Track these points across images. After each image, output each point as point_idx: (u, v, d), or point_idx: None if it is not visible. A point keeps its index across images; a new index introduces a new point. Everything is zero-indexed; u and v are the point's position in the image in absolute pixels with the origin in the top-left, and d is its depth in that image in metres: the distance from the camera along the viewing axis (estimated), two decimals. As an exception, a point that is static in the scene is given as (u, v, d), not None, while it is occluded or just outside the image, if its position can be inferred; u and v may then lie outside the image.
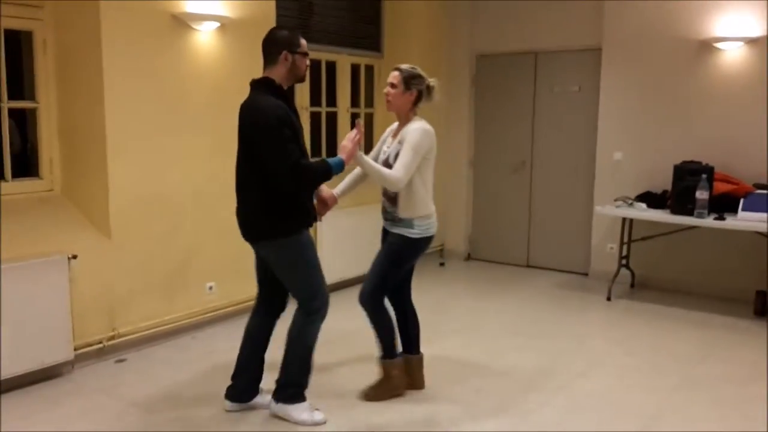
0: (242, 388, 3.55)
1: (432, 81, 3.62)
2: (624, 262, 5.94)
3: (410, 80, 3.54)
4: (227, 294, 4.94)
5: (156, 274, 4.49)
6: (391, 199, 3.59)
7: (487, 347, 4.59)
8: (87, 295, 4.10)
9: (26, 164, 4.34)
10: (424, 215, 3.58)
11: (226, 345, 4.53)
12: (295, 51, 3.31)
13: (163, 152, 4.45)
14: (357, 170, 3.75)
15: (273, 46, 3.31)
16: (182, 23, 4.49)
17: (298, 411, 3.42)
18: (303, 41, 3.36)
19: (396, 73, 3.56)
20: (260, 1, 5.02)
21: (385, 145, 3.72)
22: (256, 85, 3.34)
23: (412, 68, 3.59)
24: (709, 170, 5.22)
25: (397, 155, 3.47)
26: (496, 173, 7.04)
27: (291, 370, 3.44)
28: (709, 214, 5.16)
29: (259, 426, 3.41)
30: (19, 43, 4.24)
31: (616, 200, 5.84)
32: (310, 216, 3.40)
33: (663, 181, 5.72)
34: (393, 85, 3.55)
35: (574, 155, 6.60)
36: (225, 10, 4.72)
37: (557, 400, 3.75)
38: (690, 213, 5.21)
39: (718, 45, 5.59)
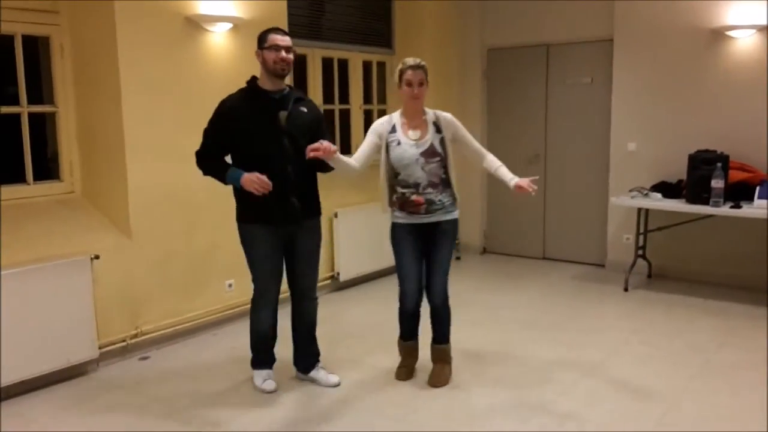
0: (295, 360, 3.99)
1: None
2: (640, 252, 5.94)
3: (427, 74, 3.69)
4: (246, 291, 4.96)
5: (176, 272, 4.55)
6: (436, 186, 3.67)
7: (505, 339, 4.62)
8: (110, 294, 4.17)
9: (46, 167, 4.42)
10: None
11: (246, 341, 4.57)
12: (262, 47, 3.52)
13: (179, 152, 4.49)
14: (349, 160, 3.67)
15: None
16: (195, 25, 4.55)
17: (255, 376, 3.86)
18: (273, 36, 3.51)
19: (420, 71, 3.63)
20: (272, 1, 5.07)
21: (402, 138, 3.66)
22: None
23: (423, 62, 3.69)
24: (724, 159, 5.20)
25: (441, 141, 3.67)
26: (510, 166, 6.88)
27: (250, 342, 3.87)
28: (724, 202, 5.15)
29: (281, 424, 3.47)
30: (36, 49, 4.32)
31: (631, 191, 5.84)
32: (264, 214, 3.55)
33: (678, 171, 5.70)
34: (421, 83, 3.64)
35: (588, 147, 6.59)
36: (237, 11, 4.77)
37: (576, 389, 3.78)
38: (705, 202, 5.20)
39: (730, 33, 5.57)
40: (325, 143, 3.29)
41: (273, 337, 3.86)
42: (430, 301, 3.80)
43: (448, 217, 3.73)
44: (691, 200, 5.32)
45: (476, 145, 3.83)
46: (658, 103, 6.03)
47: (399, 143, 3.67)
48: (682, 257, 6.04)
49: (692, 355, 4.26)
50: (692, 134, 5.79)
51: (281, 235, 3.61)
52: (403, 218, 3.74)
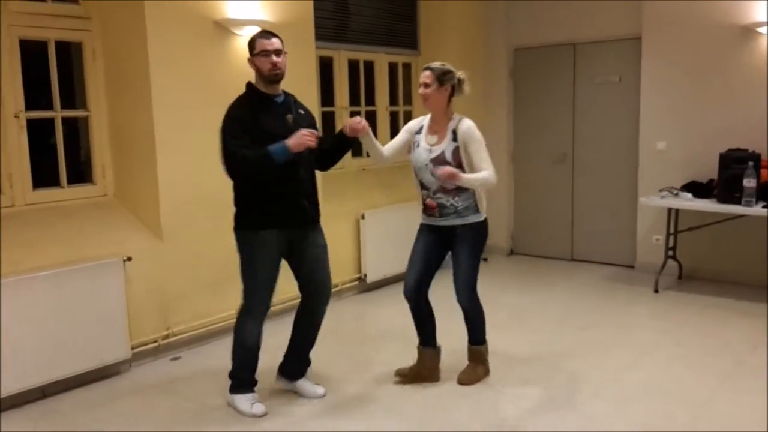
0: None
1: (461, 73, 3.71)
2: (671, 253, 5.87)
3: (443, 76, 3.63)
4: (277, 290, 5.02)
5: (206, 273, 4.60)
6: (448, 191, 3.66)
7: (534, 340, 4.60)
8: (142, 295, 4.23)
9: (80, 170, 4.50)
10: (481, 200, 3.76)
11: (274, 342, 4.59)
12: (253, 54, 3.43)
13: (209, 155, 4.51)
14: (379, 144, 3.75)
15: None
16: (224, 29, 4.60)
17: (239, 401, 3.60)
18: (260, 42, 3.41)
19: (428, 72, 3.65)
20: (299, 2, 5.10)
21: (422, 141, 3.73)
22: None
23: (442, 65, 3.69)
24: (756, 157, 5.12)
25: (454, 151, 3.61)
26: (538, 167, 7.01)
27: (233, 363, 3.65)
28: (757, 202, 5.08)
29: (305, 425, 3.49)
30: (69, 54, 4.40)
31: (660, 191, 5.78)
32: (277, 219, 3.44)
33: (708, 170, 5.63)
34: (427, 85, 3.64)
35: (616, 146, 6.54)
36: (264, 14, 4.81)
37: (606, 390, 3.75)
38: (737, 201, 5.13)
39: (761, 30, 5.49)
40: (357, 118, 3.51)
41: (257, 354, 3.66)
42: (458, 302, 3.82)
43: (463, 222, 3.70)
44: (723, 200, 5.25)
45: (481, 165, 3.60)
46: (688, 101, 5.96)
47: (418, 145, 3.74)
48: (713, 258, 5.96)
49: (724, 357, 4.20)
50: (723, 133, 5.71)
51: (286, 240, 3.52)
52: (423, 219, 3.85)
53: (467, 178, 3.53)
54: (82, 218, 4.23)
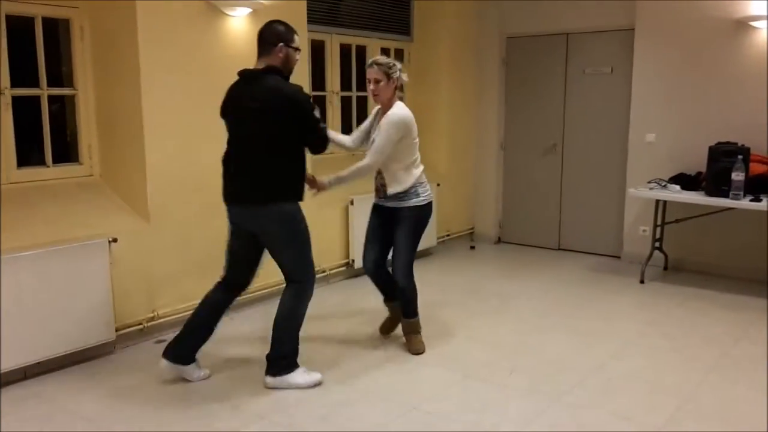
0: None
1: (401, 65, 3.93)
2: (657, 244, 5.89)
3: (389, 70, 3.83)
4: (261, 275, 5.00)
5: (193, 256, 4.57)
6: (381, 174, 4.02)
7: (519, 329, 4.61)
8: (127, 277, 4.19)
9: (66, 150, 4.44)
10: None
11: (261, 325, 4.61)
12: (290, 45, 3.52)
13: (198, 136, 4.52)
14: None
15: (271, 38, 3.49)
16: (215, 9, 4.54)
17: (295, 377, 3.66)
18: (297, 37, 3.56)
19: (375, 68, 3.83)
20: (291, -14, 5.05)
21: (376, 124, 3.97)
22: (269, 71, 3.48)
23: (386, 58, 3.93)
24: (745, 151, 5.14)
25: None
26: (527, 156, 7.01)
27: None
28: (744, 195, 5.10)
29: (285, 412, 3.49)
30: (57, 31, 4.32)
31: (649, 182, 5.79)
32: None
33: (697, 163, 5.65)
34: (377, 81, 3.82)
35: (606, 137, 6.54)
36: (257, -5, 4.76)
37: (590, 380, 3.76)
38: (725, 195, 5.14)
39: (754, 24, 5.49)
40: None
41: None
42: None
43: (402, 204, 3.98)
44: (711, 193, 5.27)
45: (373, 145, 3.87)
46: (679, 94, 5.96)
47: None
48: (700, 250, 5.99)
49: (709, 349, 4.23)
50: (713, 126, 5.73)
51: None
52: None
53: (337, 177, 3.86)
54: (67, 198, 4.19)
